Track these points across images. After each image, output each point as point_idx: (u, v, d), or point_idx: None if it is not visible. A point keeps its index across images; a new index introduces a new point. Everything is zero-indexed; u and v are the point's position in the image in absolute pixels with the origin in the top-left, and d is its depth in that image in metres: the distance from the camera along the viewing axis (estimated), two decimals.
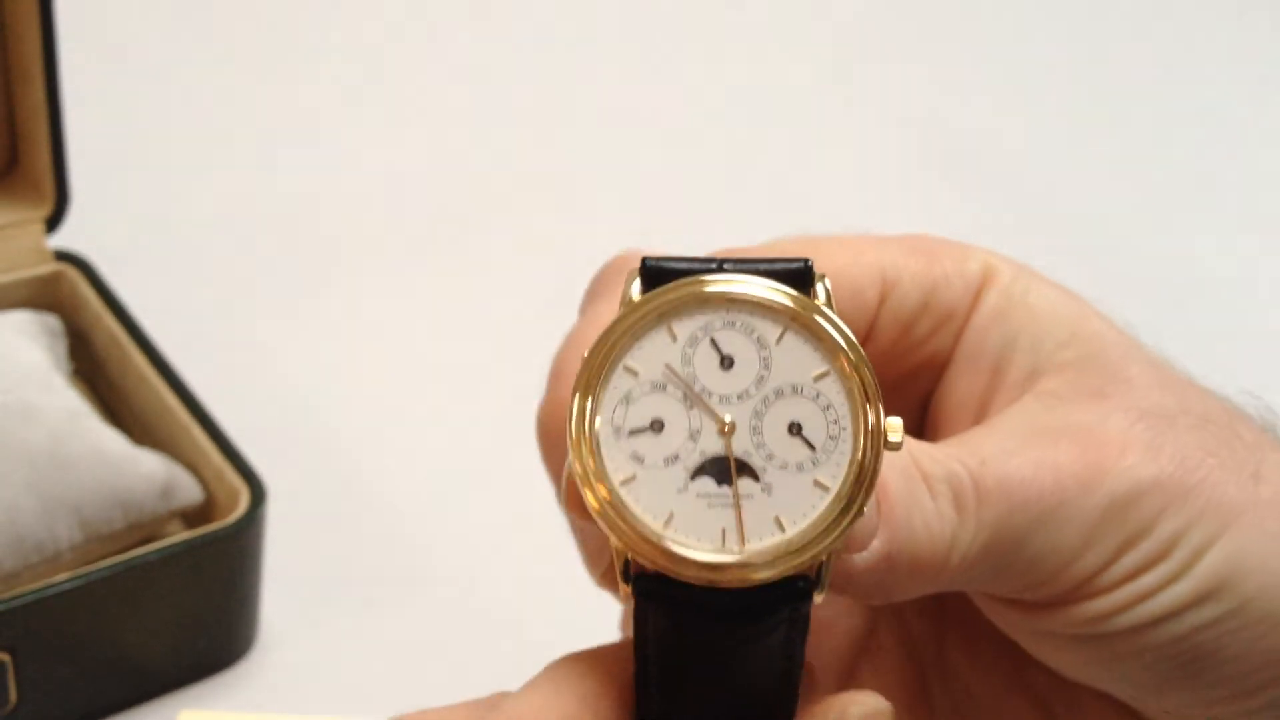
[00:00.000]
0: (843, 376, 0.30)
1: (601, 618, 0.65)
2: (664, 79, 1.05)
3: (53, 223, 0.70)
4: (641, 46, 1.08)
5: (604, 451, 0.30)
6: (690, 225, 0.91)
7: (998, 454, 0.35)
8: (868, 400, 0.30)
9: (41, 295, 0.71)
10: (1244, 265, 0.92)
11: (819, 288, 0.31)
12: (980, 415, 0.39)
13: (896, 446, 0.30)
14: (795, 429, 0.30)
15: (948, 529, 0.34)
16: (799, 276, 0.30)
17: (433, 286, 0.84)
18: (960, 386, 0.39)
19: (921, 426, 0.41)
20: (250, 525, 0.61)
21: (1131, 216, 0.94)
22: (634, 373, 0.30)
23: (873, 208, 0.90)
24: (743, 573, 0.29)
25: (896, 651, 0.42)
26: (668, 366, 0.30)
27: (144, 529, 0.63)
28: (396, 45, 1.03)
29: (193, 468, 0.64)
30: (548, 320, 0.80)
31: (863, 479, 0.30)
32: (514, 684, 0.35)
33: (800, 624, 0.30)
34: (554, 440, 0.38)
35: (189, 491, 0.63)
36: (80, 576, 0.57)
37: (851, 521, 0.30)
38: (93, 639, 0.59)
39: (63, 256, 0.71)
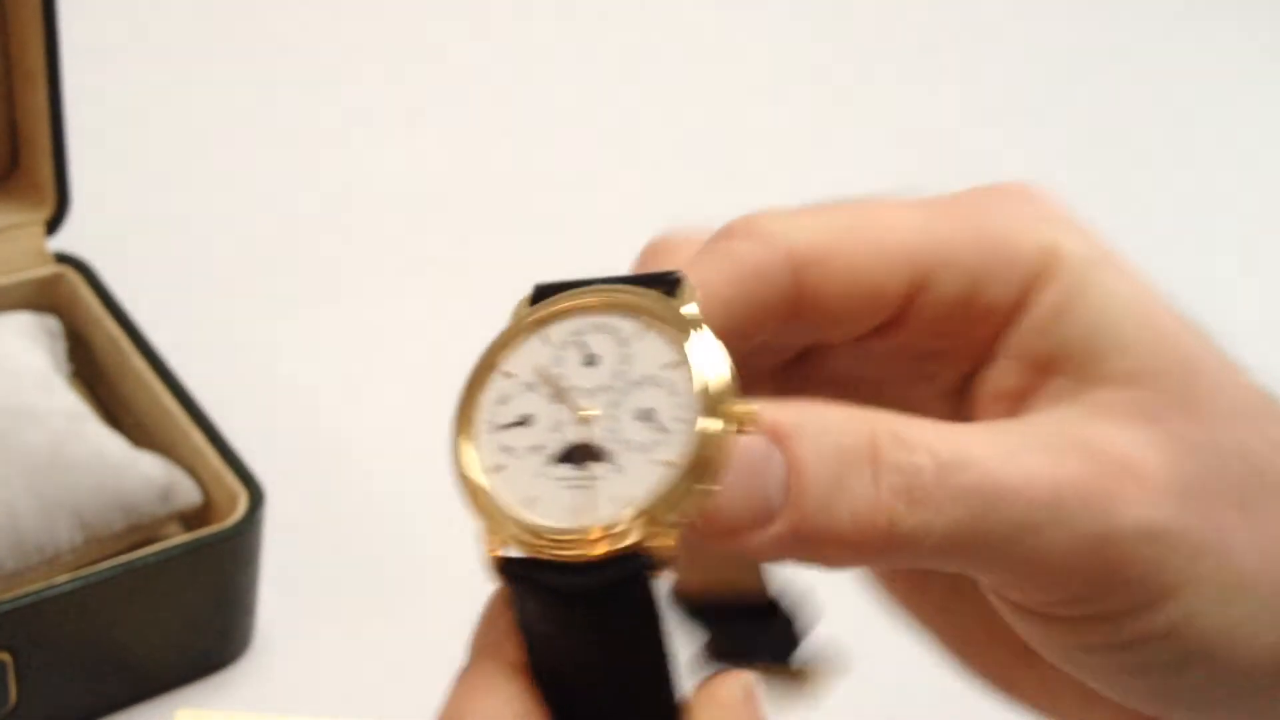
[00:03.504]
0: (692, 365, 0.31)
1: None
2: (664, 87, 1.05)
3: (53, 225, 0.71)
4: (640, 55, 1.08)
5: (480, 446, 0.32)
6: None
7: (994, 455, 0.32)
8: (716, 384, 0.31)
9: (41, 297, 0.71)
10: (1242, 282, 0.92)
11: (686, 291, 0.32)
12: (1016, 409, 0.35)
13: (744, 426, 0.31)
14: (647, 415, 0.31)
15: (882, 516, 0.32)
16: (670, 285, 0.33)
17: (433, 290, 0.85)
18: (1002, 379, 0.35)
19: (959, 406, 0.37)
20: (249, 528, 0.61)
21: (1133, 234, 0.94)
22: (510, 376, 0.32)
23: None
24: (586, 544, 0.30)
25: None
26: (537, 367, 0.32)
27: (143, 531, 0.63)
28: (398, 52, 1.03)
29: (191, 470, 0.64)
30: None
31: (707, 456, 0.31)
32: None
33: (646, 608, 0.31)
34: None
35: (188, 494, 0.64)
36: (80, 578, 0.58)
37: (695, 498, 0.30)
38: (92, 639, 0.59)
39: (63, 259, 0.72)
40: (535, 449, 0.31)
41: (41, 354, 0.67)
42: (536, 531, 0.31)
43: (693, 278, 0.33)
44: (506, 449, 0.32)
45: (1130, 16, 1.17)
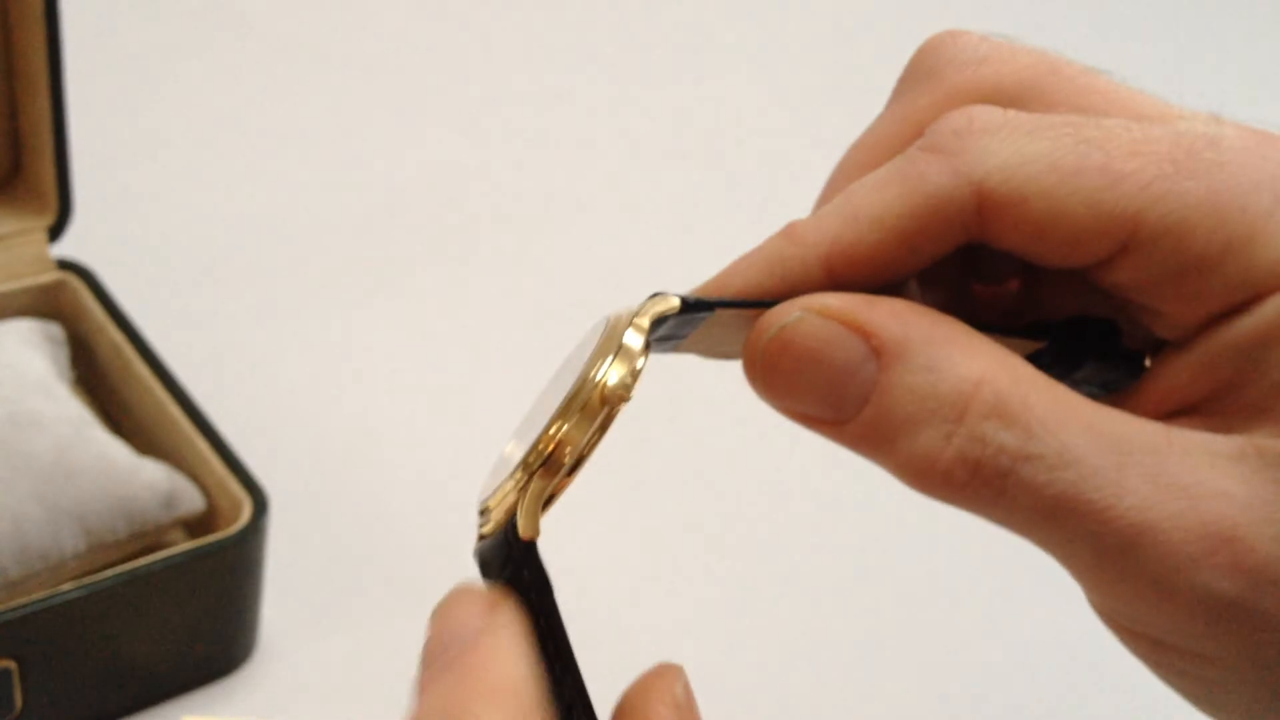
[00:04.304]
0: (591, 349, 0.31)
1: (600, 623, 0.66)
2: (664, 90, 1.05)
3: (55, 231, 0.71)
4: (640, 59, 1.08)
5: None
6: (692, 233, 0.92)
7: (1096, 464, 0.29)
8: (598, 370, 0.31)
9: (44, 303, 0.71)
10: None
11: (647, 304, 0.32)
12: (1181, 408, 0.31)
13: (609, 400, 0.30)
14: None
15: (938, 472, 0.29)
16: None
17: (434, 297, 0.85)
18: (1183, 372, 0.31)
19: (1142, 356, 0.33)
20: (253, 535, 0.61)
21: None
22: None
23: None
24: (483, 522, 0.32)
25: None
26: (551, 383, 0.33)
27: (147, 538, 0.63)
28: (399, 58, 1.03)
29: (195, 477, 0.64)
30: (549, 329, 0.81)
31: (543, 446, 0.31)
32: None
33: (528, 581, 0.31)
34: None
35: (191, 501, 0.64)
36: (85, 586, 0.58)
37: (524, 483, 0.31)
38: (97, 646, 0.59)
39: (65, 265, 0.72)
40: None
41: (44, 360, 0.67)
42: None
43: (870, 199, 0.31)
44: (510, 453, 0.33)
45: (1130, 19, 1.17)
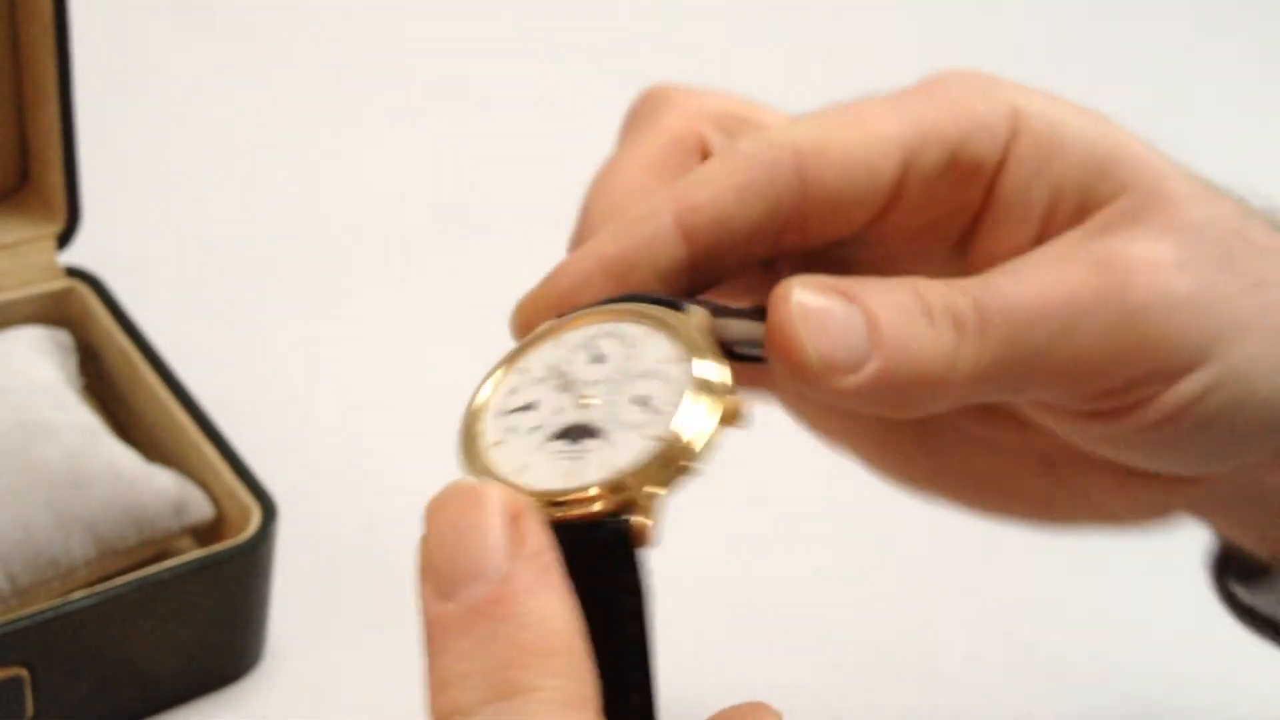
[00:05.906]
0: (689, 362, 0.33)
1: None
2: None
3: (64, 239, 0.71)
4: (640, 60, 1.08)
5: (484, 426, 0.34)
6: None
7: (1008, 281, 0.37)
8: (711, 373, 0.33)
9: (52, 311, 0.71)
10: None
11: (693, 308, 0.35)
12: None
13: (731, 415, 0.33)
14: (643, 400, 0.33)
15: (946, 347, 0.36)
16: (676, 304, 0.35)
17: (445, 304, 0.85)
18: (1007, 240, 0.40)
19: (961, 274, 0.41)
20: (262, 542, 0.61)
21: None
22: (524, 371, 0.35)
23: None
24: (575, 504, 0.32)
25: None
26: (548, 363, 0.35)
27: (156, 545, 0.63)
28: (401, 66, 1.03)
29: (203, 485, 0.65)
30: None
31: (691, 436, 0.32)
32: None
33: (624, 575, 0.31)
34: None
35: (201, 508, 0.64)
36: (96, 594, 0.58)
37: (677, 472, 0.32)
38: (106, 653, 0.60)
39: (74, 273, 0.72)
40: (535, 429, 0.33)
41: (53, 368, 0.67)
42: (529, 490, 0.32)
43: (707, 177, 0.39)
44: (509, 429, 0.34)
45: (1128, 17, 1.17)
